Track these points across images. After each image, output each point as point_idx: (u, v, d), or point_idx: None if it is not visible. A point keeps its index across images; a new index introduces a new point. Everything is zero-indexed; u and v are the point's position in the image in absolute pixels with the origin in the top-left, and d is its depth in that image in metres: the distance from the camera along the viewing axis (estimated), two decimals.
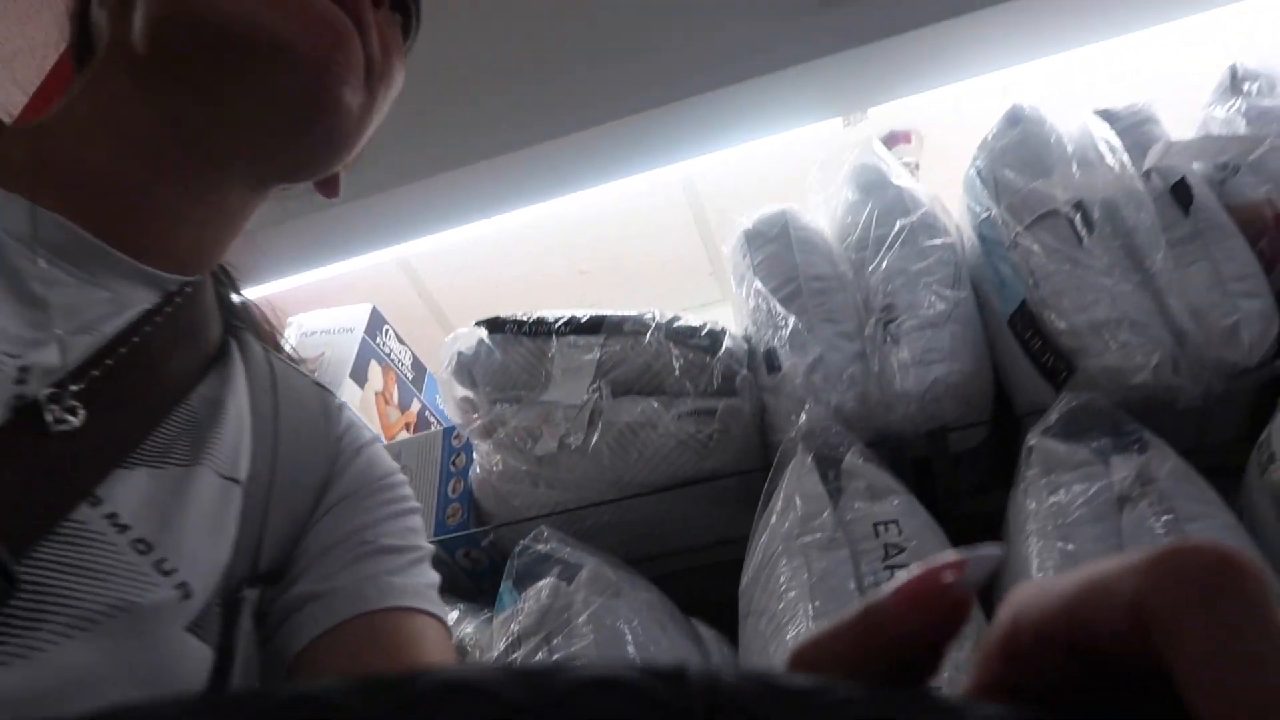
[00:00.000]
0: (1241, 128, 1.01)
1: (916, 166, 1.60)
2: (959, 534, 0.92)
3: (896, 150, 1.61)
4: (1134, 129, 1.07)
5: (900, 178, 1.11)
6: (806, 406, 0.97)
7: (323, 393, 0.61)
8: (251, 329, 0.60)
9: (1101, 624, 0.17)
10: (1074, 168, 1.00)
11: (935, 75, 1.19)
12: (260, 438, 0.51)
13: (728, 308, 1.29)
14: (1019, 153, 1.06)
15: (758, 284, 1.06)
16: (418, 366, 1.57)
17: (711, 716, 0.15)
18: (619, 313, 1.14)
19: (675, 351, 1.08)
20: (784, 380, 1.01)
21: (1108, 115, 1.09)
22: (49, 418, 0.39)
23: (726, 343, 1.07)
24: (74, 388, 0.41)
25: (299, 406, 0.56)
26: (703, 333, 1.09)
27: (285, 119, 0.51)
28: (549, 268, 1.88)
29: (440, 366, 1.18)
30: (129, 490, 0.41)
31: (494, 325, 1.17)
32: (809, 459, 0.92)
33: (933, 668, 0.19)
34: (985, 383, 1.02)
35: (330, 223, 1.30)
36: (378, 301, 1.59)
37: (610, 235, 1.81)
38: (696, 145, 1.27)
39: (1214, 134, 1.05)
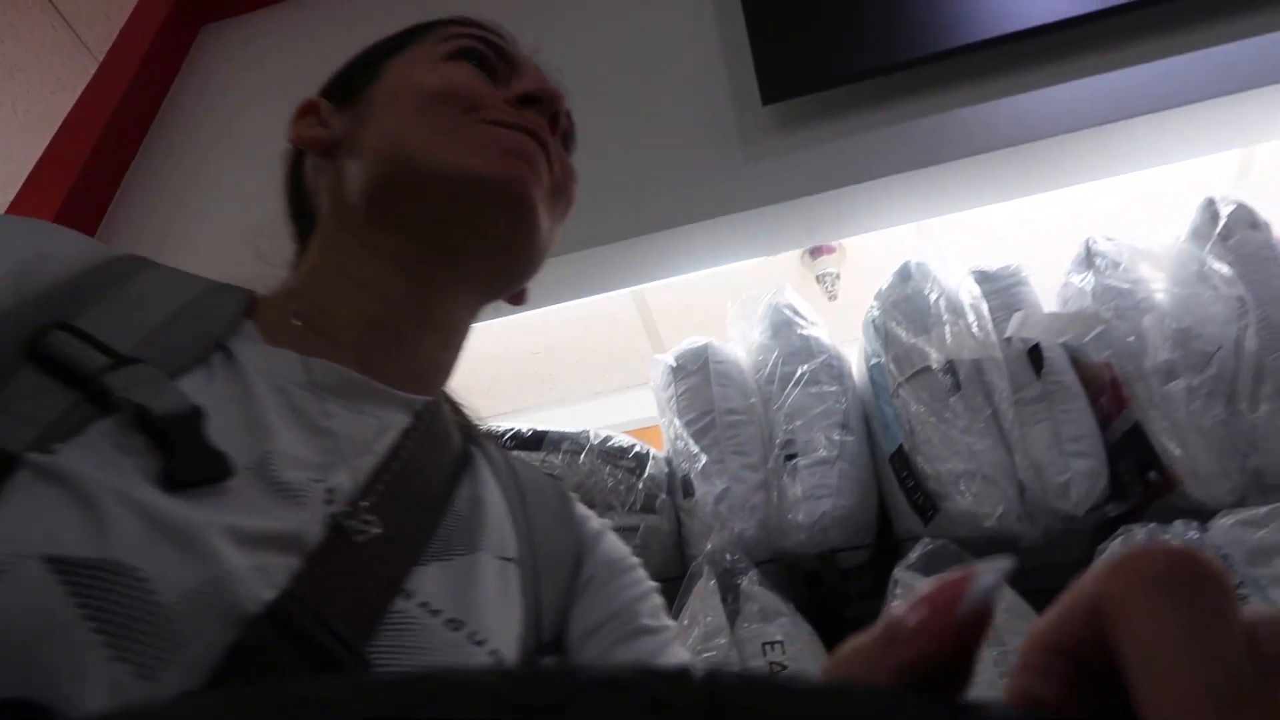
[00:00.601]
0: (1089, 300, 1.19)
1: (838, 277, 1.78)
2: (847, 637, 1.08)
3: (821, 260, 1.79)
4: (1005, 290, 1.25)
5: (806, 326, 1.28)
6: (713, 532, 1.13)
7: (555, 481, 0.66)
8: (480, 432, 0.65)
9: (1072, 627, 0.17)
10: (948, 331, 1.17)
11: (849, 228, 1.36)
12: (517, 522, 0.57)
13: None
14: (905, 309, 1.23)
15: (676, 421, 1.22)
16: None
17: (713, 716, 0.15)
18: (559, 429, 1.29)
19: (606, 470, 1.23)
20: (697, 505, 1.17)
21: (984, 276, 1.27)
22: (353, 530, 0.45)
23: (650, 468, 1.22)
24: (365, 503, 0.46)
25: (540, 493, 0.62)
26: (630, 454, 1.25)
27: (495, 246, 0.58)
28: (506, 347, 2.03)
29: None
30: (429, 581, 0.47)
31: None
32: (712, 583, 1.08)
33: (965, 674, 0.19)
34: (869, 513, 1.19)
35: None
36: None
37: (562, 321, 1.96)
38: (644, 276, 1.43)
39: (1067, 301, 1.23)
